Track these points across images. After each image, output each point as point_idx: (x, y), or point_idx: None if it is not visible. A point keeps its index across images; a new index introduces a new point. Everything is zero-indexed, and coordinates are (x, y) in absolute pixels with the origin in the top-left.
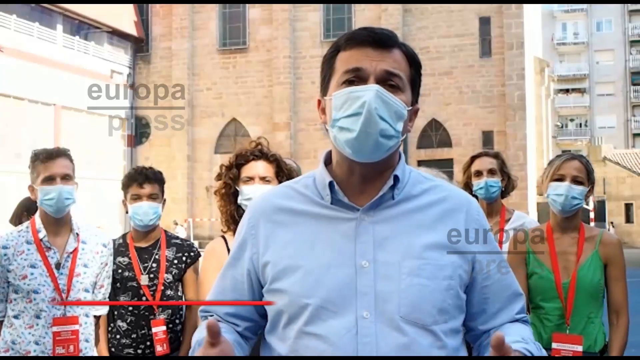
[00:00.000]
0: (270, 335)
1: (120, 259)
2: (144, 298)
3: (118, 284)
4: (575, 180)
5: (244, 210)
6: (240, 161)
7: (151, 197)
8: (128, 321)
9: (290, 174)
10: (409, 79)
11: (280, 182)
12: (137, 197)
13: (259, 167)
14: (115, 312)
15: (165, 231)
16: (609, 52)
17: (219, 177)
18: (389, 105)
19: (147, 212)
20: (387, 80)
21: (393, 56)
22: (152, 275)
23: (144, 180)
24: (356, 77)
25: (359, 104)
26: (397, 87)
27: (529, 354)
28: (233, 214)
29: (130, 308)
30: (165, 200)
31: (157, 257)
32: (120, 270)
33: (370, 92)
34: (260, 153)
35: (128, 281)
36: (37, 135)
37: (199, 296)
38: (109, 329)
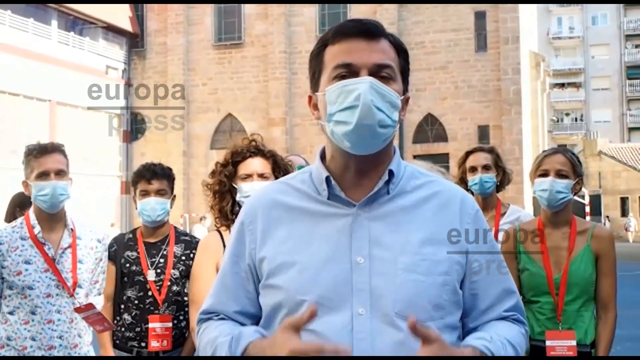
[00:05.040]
0: (266, 331)
1: (128, 253)
2: (150, 293)
3: (125, 278)
4: (559, 174)
5: (240, 207)
6: (236, 158)
7: (159, 192)
8: (133, 315)
9: (287, 170)
10: (399, 68)
11: (277, 178)
12: (145, 193)
13: (256, 164)
14: (122, 306)
15: (175, 227)
16: (604, 46)
17: (212, 174)
18: (384, 96)
19: (155, 207)
20: (378, 72)
21: (381, 46)
22: (159, 271)
23: (151, 176)
24: (348, 72)
25: (353, 96)
26: (389, 77)
27: (488, 353)
28: (226, 211)
29: (136, 302)
30: (175, 196)
31: (165, 252)
32: (128, 265)
33: (364, 84)
34: (256, 150)
35: (135, 275)
36: (33, 131)
37: (191, 289)
38: (116, 321)
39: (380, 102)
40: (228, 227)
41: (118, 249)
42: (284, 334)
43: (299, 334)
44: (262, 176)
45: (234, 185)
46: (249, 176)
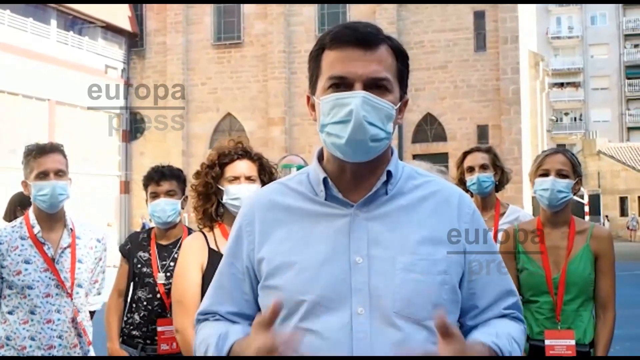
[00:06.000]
0: None
1: (141, 253)
2: (158, 295)
3: (137, 279)
4: (560, 174)
5: (225, 209)
6: (223, 160)
7: (168, 194)
8: (141, 315)
9: (272, 173)
10: (396, 74)
11: (262, 180)
12: (155, 195)
13: (243, 167)
14: (133, 305)
15: (188, 229)
16: (603, 46)
17: (197, 175)
18: (378, 110)
19: (165, 209)
20: (374, 84)
21: (379, 55)
22: (168, 274)
23: (160, 177)
24: (342, 84)
25: (346, 111)
26: (385, 88)
27: (497, 349)
28: (210, 213)
29: (145, 303)
30: (186, 197)
31: (175, 256)
32: (139, 265)
33: (357, 99)
34: (244, 152)
35: (145, 277)
36: (32, 131)
37: (175, 289)
38: (126, 319)
39: (374, 116)
40: (212, 228)
41: (132, 248)
42: (253, 334)
43: (267, 331)
44: (249, 179)
45: (219, 187)
46: (236, 178)
